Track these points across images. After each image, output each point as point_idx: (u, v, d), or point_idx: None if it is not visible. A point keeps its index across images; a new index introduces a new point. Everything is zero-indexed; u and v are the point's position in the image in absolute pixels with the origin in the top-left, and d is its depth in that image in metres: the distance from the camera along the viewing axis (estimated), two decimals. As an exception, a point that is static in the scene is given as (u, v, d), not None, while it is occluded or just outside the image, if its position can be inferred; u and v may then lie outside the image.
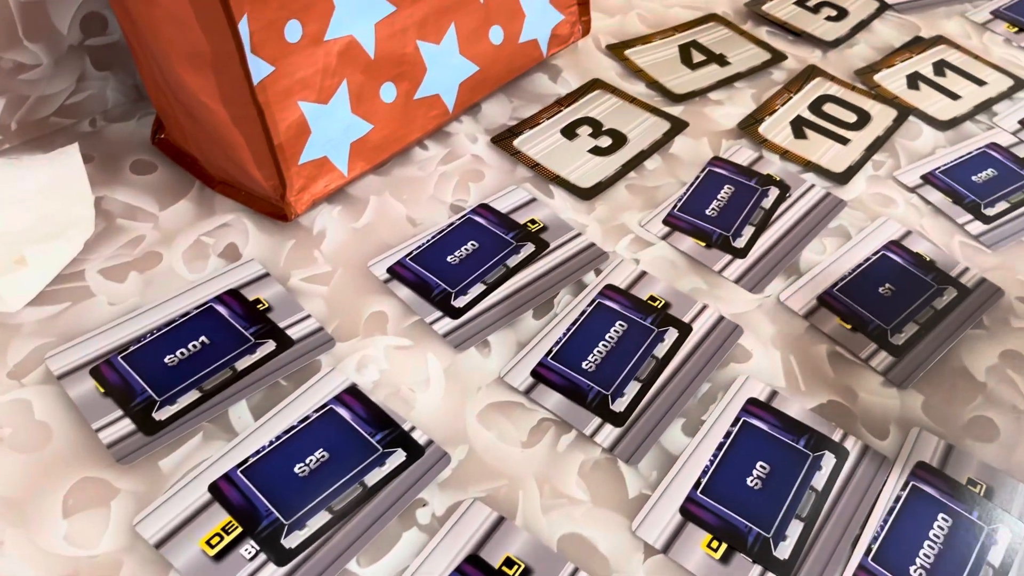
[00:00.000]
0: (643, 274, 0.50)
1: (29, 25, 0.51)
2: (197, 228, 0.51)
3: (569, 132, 0.60)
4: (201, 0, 0.43)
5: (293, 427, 0.41)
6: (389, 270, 0.49)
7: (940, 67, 0.69)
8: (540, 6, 0.61)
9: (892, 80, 0.67)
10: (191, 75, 0.46)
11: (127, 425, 0.41)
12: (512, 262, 0.50)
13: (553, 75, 0.65)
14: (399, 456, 0.41)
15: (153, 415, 0.41)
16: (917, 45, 0.71)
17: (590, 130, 0.60)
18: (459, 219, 0.53)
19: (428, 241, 0.51)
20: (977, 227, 0.55)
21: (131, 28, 0.48)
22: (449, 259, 0.50)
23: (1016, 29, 0.74)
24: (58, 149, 0.50)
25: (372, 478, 0.40)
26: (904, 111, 0.64)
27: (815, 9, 0.74)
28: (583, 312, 0.48)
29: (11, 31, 0.51)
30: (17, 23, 0.51)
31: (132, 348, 0.44)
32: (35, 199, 0.48)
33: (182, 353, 0.44)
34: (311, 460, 0.40)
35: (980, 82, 0.67)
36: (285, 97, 0.47)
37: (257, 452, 0.40)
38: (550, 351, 0.46)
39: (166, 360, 0.43)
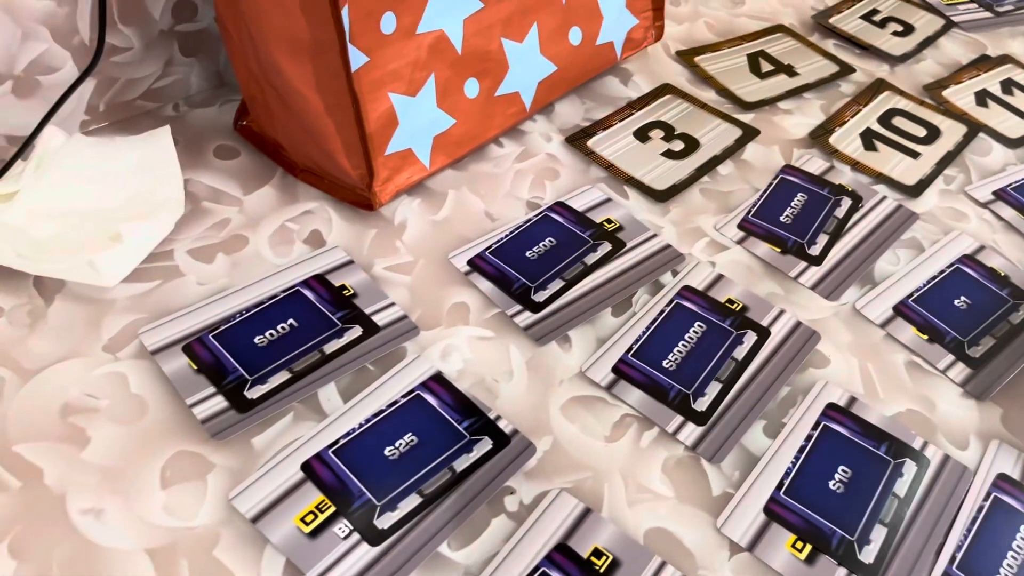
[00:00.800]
0: (720, 277, 0.51)
1: (124, 9, 0.52)
2: (281, 214, 0.51)
3: (642, 135, 0.60)
4: (306, -12, 0.43)
5: (382, 411, 0.42)
6: (469, 262, 0.50)
7: (1008, 86, 0.69)
8: (617, 9, 0.62)
9: (961, 96, 0.67)
10: (288, 62, 0.47)
11: (220, 402, 0.41)
12: (590, 259, 0.51)
13: (624, 79, 0.66)
14: (486, 444, 0.41)
15: (245, 393, 0.42)
16: (984, 63, 0.71)
17: (662, 133, 0.61)
18: (536, 215, 0.53)
19: (507, 236, 0.52)
20: (1050, 245, 0.55)
21: (230, 13, 0.48)
22: (528, 254, 0.51)
23: (1083, 51, 0.74)
24: (149, 131, 0.51)
25: (460, 464, 0.40)
26: (974, 127, 0.64)
27: (882, 24, 0.74)
28: (662, 312, 0.48)
29: (108, 14, 0.52)
30: (113, 6, 0.52)
31: (222, 327, 0.44)
32: (128, 177, 0.49)
33: (271, 334, 0.44)
34: (400, 444, 0.40)
35: (1049, 102, 0.67)
36: (377, 88, 0.48)
37: (348, 434, 0.41)
38: (630, 348, 0.46)
39: (256, 341, 0.44)
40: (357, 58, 0.46)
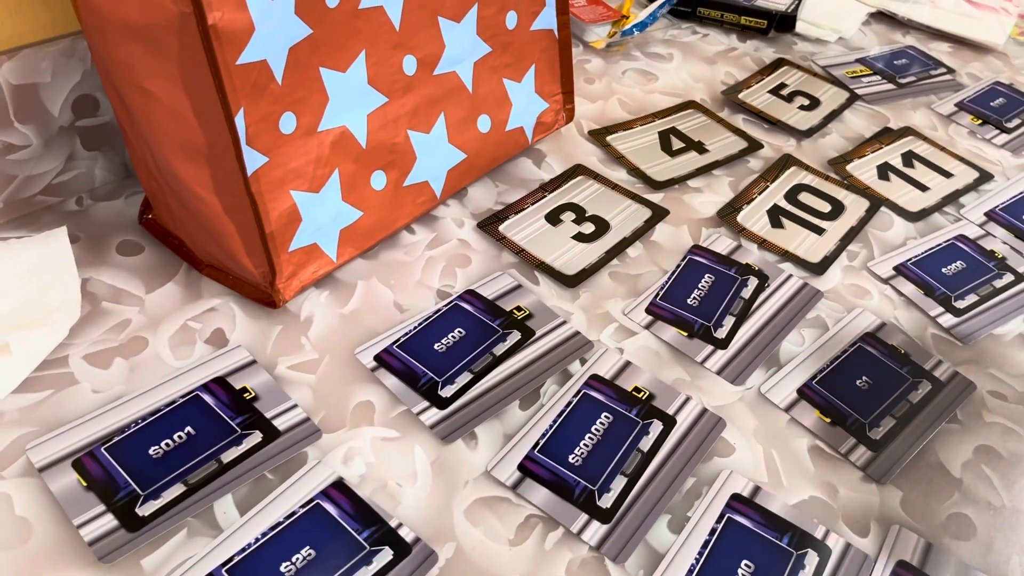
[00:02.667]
0: (627, 364, 0.51)
1: (20, 107, 0.52)
2: (184, 312, 0.51)
3: (553, 218, 0.61)
4: (199, 95, 0.43)
5: (279, 523, 0.41)
6: (376, 358, 0.50)
7: (909, 158, 0.71)
8: (526, 95, 0.63)
9: (863, 170, 0.69)
10: (184, 165, 0.46)
11: (110, 521, 0.40)
12: (499, 350, 0.51)
13: (537, 160, 0.66)
14: (386, 555, 0.40)
15: (136, 510, 0.40)
16: (886, 136, 0.74)
17: (573, 216, 0.61)
18: (446, 305, 0.53)
19: (415, 328, 0.51)
20: (949, 319, 0.57)
21: (125, 117, 0.48)
22: (436, 347, 0.51)
23: (980, 122, 0.77)
24: (45, 232, 0.50)
25: (359, 578, 0.39)
26: (876, 202, 0.66)
27: (789, 98, 0.77)
28: (569, 403, 0.48)
29: (2, 113, 0.51)
30: (9, 106, 0.51)
31: (116, 439, 0.43)
32: (20, 283, 0.48)
33: (167, 444, 0.43)
34: (297, 559, 0.39)
35: (947, 174, 0.70)
36: (278, 187, 0.48)
37: (243, 550, 0.40)
38: (537, 444, 0.46)
39: (151, 452, 0.43)
40: (255, 159, 0.46)
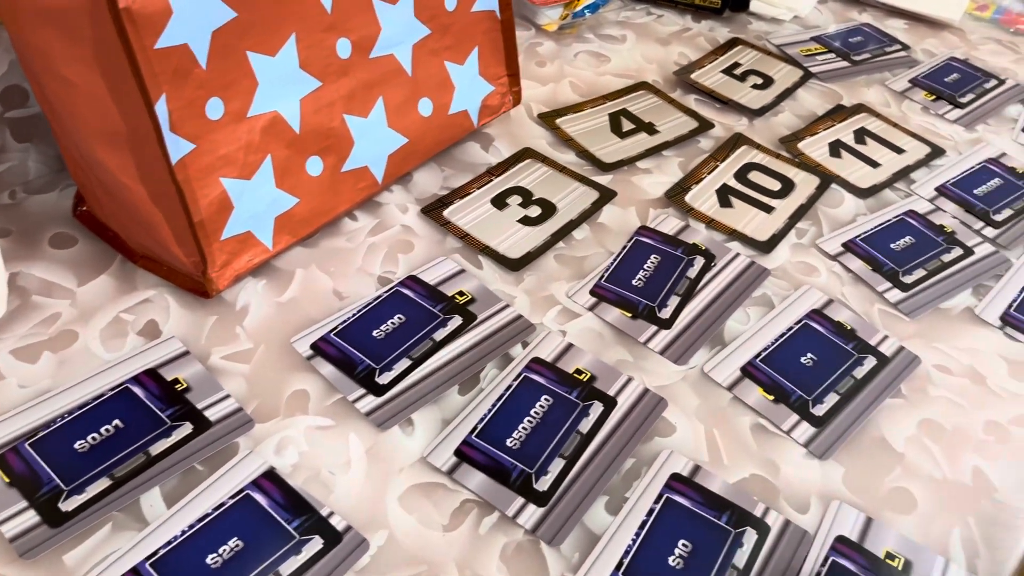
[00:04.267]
0: (570, 346, 0.51)
1: (-55, 99, 0.51)
2: (117, 304, 0.50)
3: (499, 202, 0.60)
4: (117, 81, 0.42)
5: (207, 515, 0.40)
6: (313, 346, 0.49)
7: (861, 135, 0.71)
8: (470, 78, 0.62)
9: (815, 148, 0.69)
10: (108, 153, 0.45)
11: (32, 517, 0.39)
12: (439, 335, 0.50)
13: (485, 144, 0.66)
14: (316, 544, 0.40)
15: (59, 505, 0.40)
16: (839, 113, 0.73)
17: (520, 200, 0.61)
18: (386, 292, 0.52)
19: (354, 315, 0.51)
20: (896, 295, 0.56)
21: (47, 106, 0.47)
22: (375, 333, 0.50)
23: (933, 97, 0.77)
24: (-29, 225, 0.49)
25: (287, 568, 0.39)
26: (826, 179, 0.65)
27: (742, 78, 0.76)
28: (508, 387, 0.48)
29: (-75, 105, 0.50)
30: (-69, 97, 0.50)
31: (41, 434, 0.42)
32: (-56, 278, 0.47)
33: (93, 438, 0.43)
34: (224, 550, 0.39)
35: (899, 150, 0.70)
36: (207, 174, 0.47)
37: (168, 543, 0.39)
38: (475, 428, 0.46)
39: (76, 446, 0.42)
40: (181, 146, 0.45)
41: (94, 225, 0.54)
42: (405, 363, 0.48)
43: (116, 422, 0.43)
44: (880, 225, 0.62)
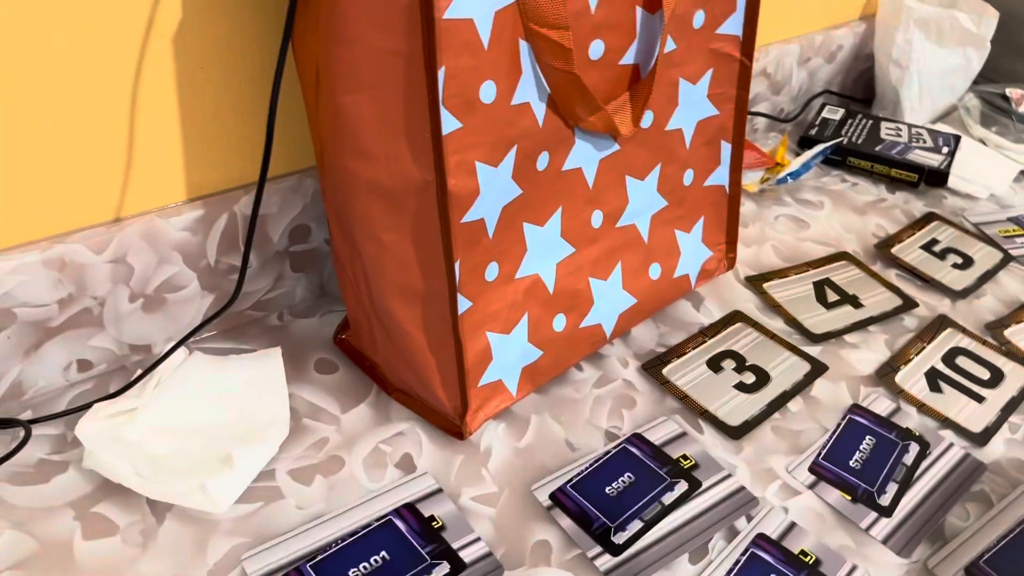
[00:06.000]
0: (793, 525, 0.52)
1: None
2: (375, 434, 0.55)
3: (714, 364, 0.63)
4: (426, 247, 0.48)
5: (468, 658, 0.43)
6: (551, 496, 0.52)
7: (1068, 327, 0.71)
8: (693, 244, 0.66)
9: (1022, 337, 0.69)
10: (400, 305, 0.51)
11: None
12: (667, 499, 0.53)
13: (696, 303, 0.69)
14: None
15: (339, 631, 0.43)
16: (1043, 301, 0.74)
17: (734, 364, 0.63)
18: (615, 448, 0.56)
19: (587, 469, 0.54)
20: (1119, 506, 0.56)
21: (347, 252, 0.53)
22: (607, 490, 0.53)
23: None
24: (262, 350, 0.55)
25: None
26: (1037, 372, 0.66)
27: (941, 255, 0.78)
28: (737, 561, 0.50)
29: (233, 241, 0.57)
30: (239, 234, 0.57)
31: (319, 557, 0.47)
32: (239, 396, 0.53)
33: (365, 567, 0.47)
34: None
35: (1109, 347, 0.69)
36: (477, 328, 0.52)
37: None
38: (707, 600, 0.47)
39: (350, 573, 0.46)
40: (462, 304, 0.50)
41: (353, 353, 0.59)
42: (637, 524, 0.51)
43: (383, 553, 0.47)
44: (1097, 428, 0.62)
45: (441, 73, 0.43)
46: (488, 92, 0.46)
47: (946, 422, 0.61)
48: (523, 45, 0.47)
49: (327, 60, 0.45)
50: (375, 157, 0.46)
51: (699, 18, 0.57)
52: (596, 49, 0.51)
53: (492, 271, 0.52)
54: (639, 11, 0.52)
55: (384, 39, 0.43)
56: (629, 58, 0.54)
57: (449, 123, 0.44)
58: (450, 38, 0.43)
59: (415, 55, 0.43)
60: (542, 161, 0.52)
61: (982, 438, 0.60)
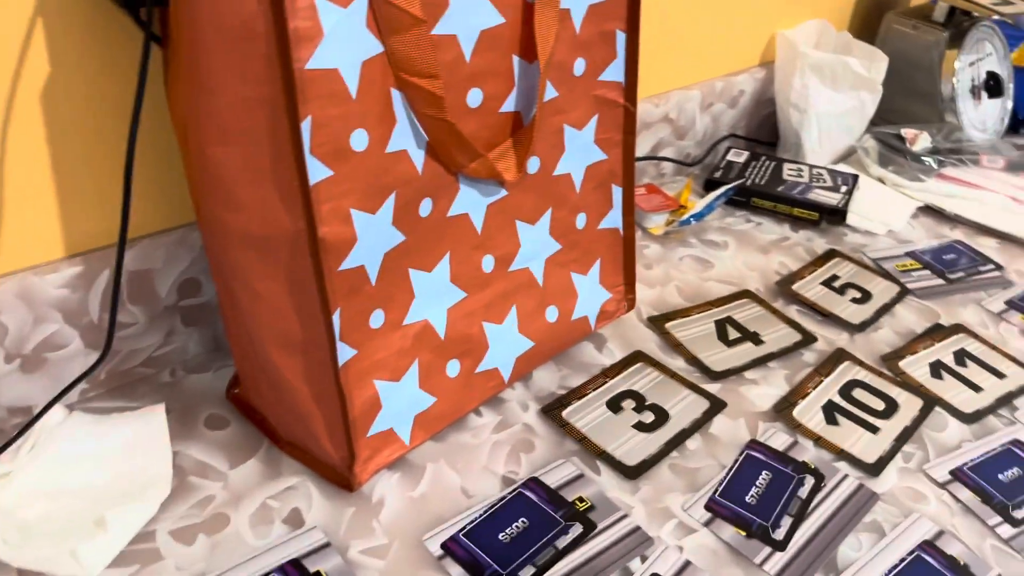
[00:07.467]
0: (687, 564, 0.52)
1: (134, 291, 0.57)
2: (264, 490, 0.53)
3: (614, 405, 0.63)
4: (302, 297, 0.48)
5: None
6: (443, 546, 0.51)
7: (961, 356, 0.73)
8: (591, 287, 0.66)
9: (916, 368, 0.71)
10: (281, 355, 0.50)
11: None
12: (561, 543, 0.52)
13: (598, 344, 0.70)
14: None
15: None
16: (938, 332, 0.76)
17: (634, 404, 0.64)
18: (510, 493, 0.55)
19: (480, 516, 0.53)
20: (1007, 530, 0.57)
21: (228, 302, 0.52)
22: (501, 536, 0.52)
23: (1030, 320, 0.79)
24: (144, 408, 0.54)
25: None
26: (930, 401, 0.67)
27: (841, 291, 0.80)
28: (630, 603, 0.49)
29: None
30: (124, 290, 0.56)
31: (196, 619, 0.45)
32: (119, 455, 0.51)
33: (243, 628, 0.45)
34: None
35: (1000, 374, 0.71)
36: (363, 377, 0.52)
37: None
38: (598, 645, 0.47)
39: (228, 635, 0.45)
40: (345, 352, 0.50)
41: (245, 408, 0.58)
42: (530, 570, 0.51)
43: (264, 612, 0.46)
44: (987, 453, 0.63)
45: (307, 122, 0.43)
46: (360, 140, 0.46)
47: (841, 454, 0.62)
48: (396, 94, 0.48)
49: (193, 110, 0.45)
50: (246, 207, 0.46)
51: (580, 66, 0.58)
52: (474, 97, 0.52)
53: (377, 318, 0.52)
54: (516, 60, 0.54)
55: (247, 88, 0.43)
56: (510, 105, 0.55)
57: (319, 171, 0.45)
58: (315, 88, 0.43)
59: (278, 104, 0.43)
60: (425, 207, 0.52)
61: (875, 468, 0.61)
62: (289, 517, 0.52)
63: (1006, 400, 0.69)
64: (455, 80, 0.51)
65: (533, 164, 0.58)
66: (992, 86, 1.06)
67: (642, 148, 0.92)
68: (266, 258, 0.47)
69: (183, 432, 0.57)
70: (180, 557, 0.49)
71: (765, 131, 1.07)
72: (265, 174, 0.45)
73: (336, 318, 0.48)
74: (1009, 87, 1.08)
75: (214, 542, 0.50)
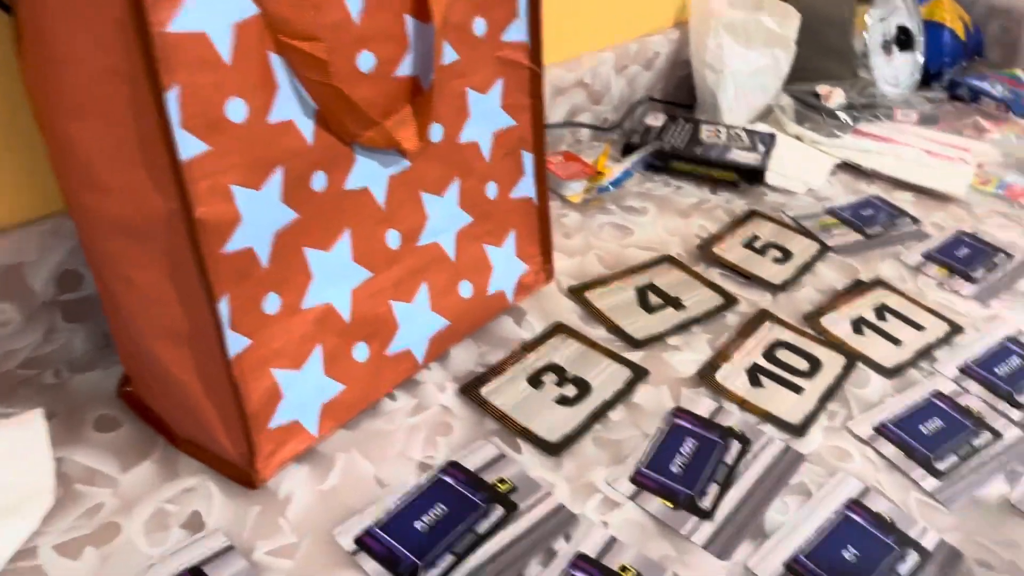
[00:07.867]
0: (613, 540, 0.50)
1: (3, 287, 0.52)
2: (160, 493, 0.50)
3: (535, 380, 0.61)
4: (184, 284, 0.44)
5: None
6: (356, 540, 0.48)
7: (881, 311, 0.73)
8: (506, 259, 0.64)
9: (838, 325, 0.71)
10: (165, 349, 0.46)
11: None
12: (482, 528, 0.50)
13: (518, 318, 0.67)
14: None
15: None
16: (858, 288, 0.75)
17: (555, 378, 0.62)
18: (427, 481, 0.52)
19: (396, 506, 0.51)
20: (931, 483, 0.57)
21: (109, 302, 0.48)
22: (417, 525, 0.50)
23: (947, 272, 0.79)
24: (20, 415, 0.50)
25: None
26: (852, 358, 0.67)
27: (762, 251, 0.79)
28: (554, 586, 0.47)
29: (-15, 293, 0.51)
30: (-6, 284, 0.51)
31: (84, 640, 0.42)
32: (-7, 468, 0.47)
33: (137, 645, 0.42)
34: None
35: (919, 327, 0.71)
36: (259, 367, 0.48)
37: None
38: (522, 633, 0.45)
39: (120, 654, 0.41)
40: (238, 342, 0.46)
41: (138, 406, 0.54)
42: (449, 559, 0.48)
43: (160, 627, 0.43)
44: (909, 407, 0.63)
45: (174, 92, 0.39)
46: (237, 110, 0.42)
47: (766, 416, 0.61)
48: (275, 58, 0.44)
49: (44, 83, 0.41)
50: (112, 190, 0.42)
51: (480, 25, 0.55)
52: (365, 61, 0.49)
53: (272, 303, 0.48)
54: (409, 20, 0.50)
55: (100, 57, 0.39)
56: (405, 69, 0.51)
57: (192, 146, 0.41)
58: (180, 54, 0.39)
59: (138, 73, 0.39)
60: (318, 181, 0.49)
61: (800, 429, 0.60)
62: (188, 521, 0.48)
63: (925, 352, 0.69)
64: (342, 43, 0.47)
65: (436, 132, 0.55)
66: (903, 40, 1.07)
67: (557, 114, 0.89)
68: (140, 244, 0.43)
69: (69, 437, 0.52)
70: (66, 573, 0.45)
71: (683, 93, 1.05)
72: (130, 152, 0.41)
73: (224, 305, 0.45)
74: (919, 41, 1.09)
75: (104, 554, 0.46)
